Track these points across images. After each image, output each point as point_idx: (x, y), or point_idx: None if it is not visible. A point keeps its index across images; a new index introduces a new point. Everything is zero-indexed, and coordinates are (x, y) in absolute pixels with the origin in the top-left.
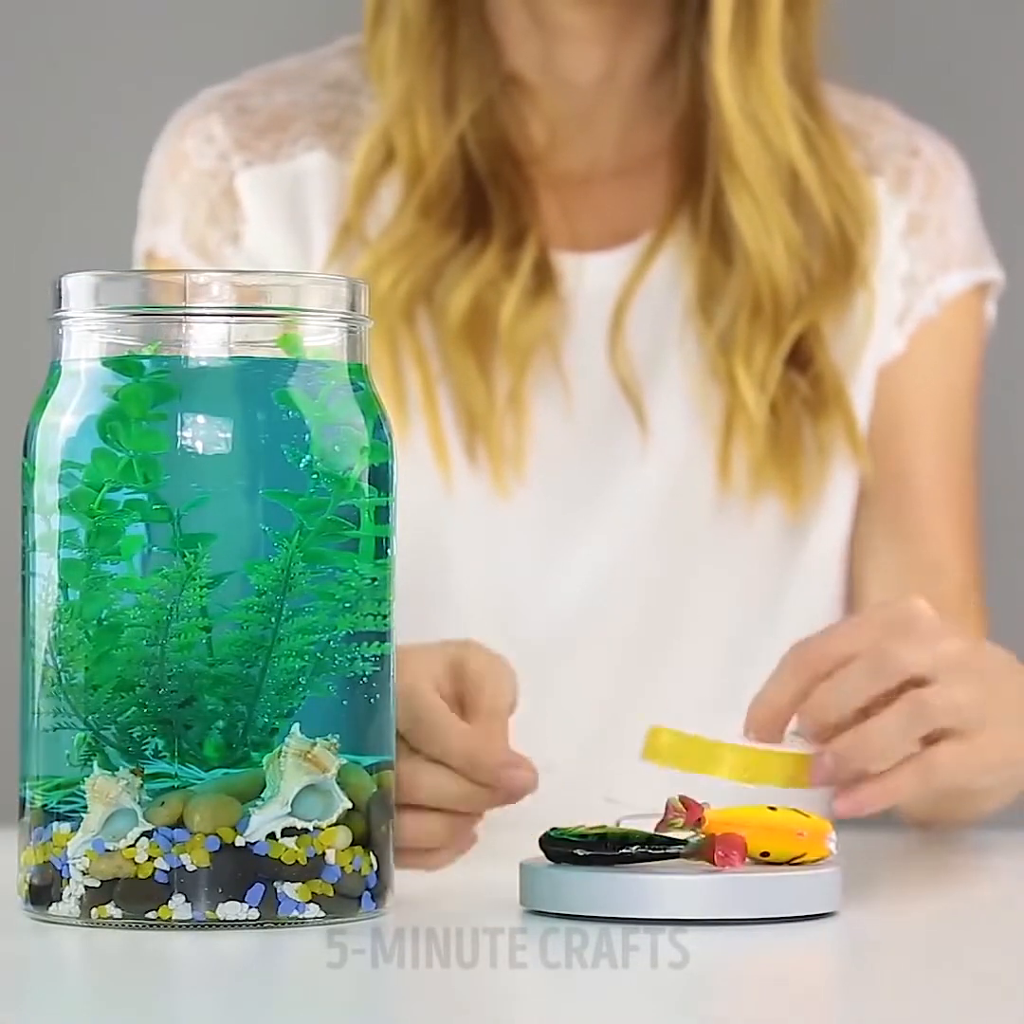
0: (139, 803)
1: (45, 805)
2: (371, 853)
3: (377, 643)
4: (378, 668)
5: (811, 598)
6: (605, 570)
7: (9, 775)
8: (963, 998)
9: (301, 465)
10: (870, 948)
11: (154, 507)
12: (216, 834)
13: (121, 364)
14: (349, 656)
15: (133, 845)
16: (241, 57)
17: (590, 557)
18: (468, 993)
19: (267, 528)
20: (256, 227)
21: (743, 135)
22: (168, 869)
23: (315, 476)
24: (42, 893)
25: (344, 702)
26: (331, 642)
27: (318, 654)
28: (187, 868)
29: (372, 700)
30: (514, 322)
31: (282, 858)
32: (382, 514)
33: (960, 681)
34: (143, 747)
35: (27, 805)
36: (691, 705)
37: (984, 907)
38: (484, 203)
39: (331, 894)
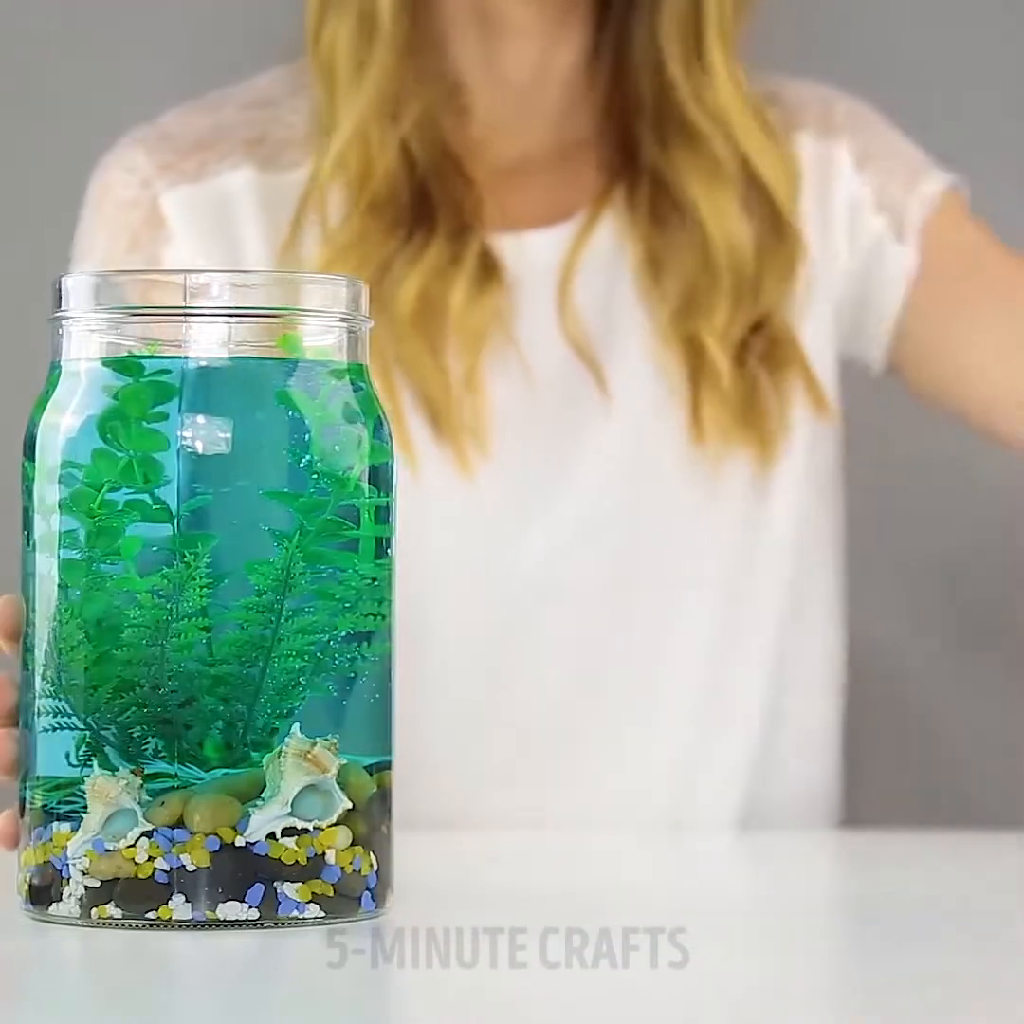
0: (139, 803)
1: (45, 805)
2: (371, 853)
3: (377, 643)
4: (378, 668)
5: (778, 550)
6: (576, 537)
7: None
8: None
9: (301, 465)
10: None
11: (154, 507)
12: (216, 834)
13: (121, 364)
14: (349, 656)
15: (133, 845)
16: (243, 58)
17: (560, 527)
18: (468, 993)
19: (267, 528)
20: (180, 244)
21: (696, 113)
22: (168, 869)
23: (315, 476)
24: (42, 893)
25: (344, 702)
26: (331, 642)
27: (318, 654)
28: (187, 868)
29: (372, 700)
30: (464, 309)
31: (282, 858)
32: (382, 514)
33: None
34: (143, 747)
35: (27, 805)
36: (671, 662)
37: None
38: (428, 200)
39: (331, 894)
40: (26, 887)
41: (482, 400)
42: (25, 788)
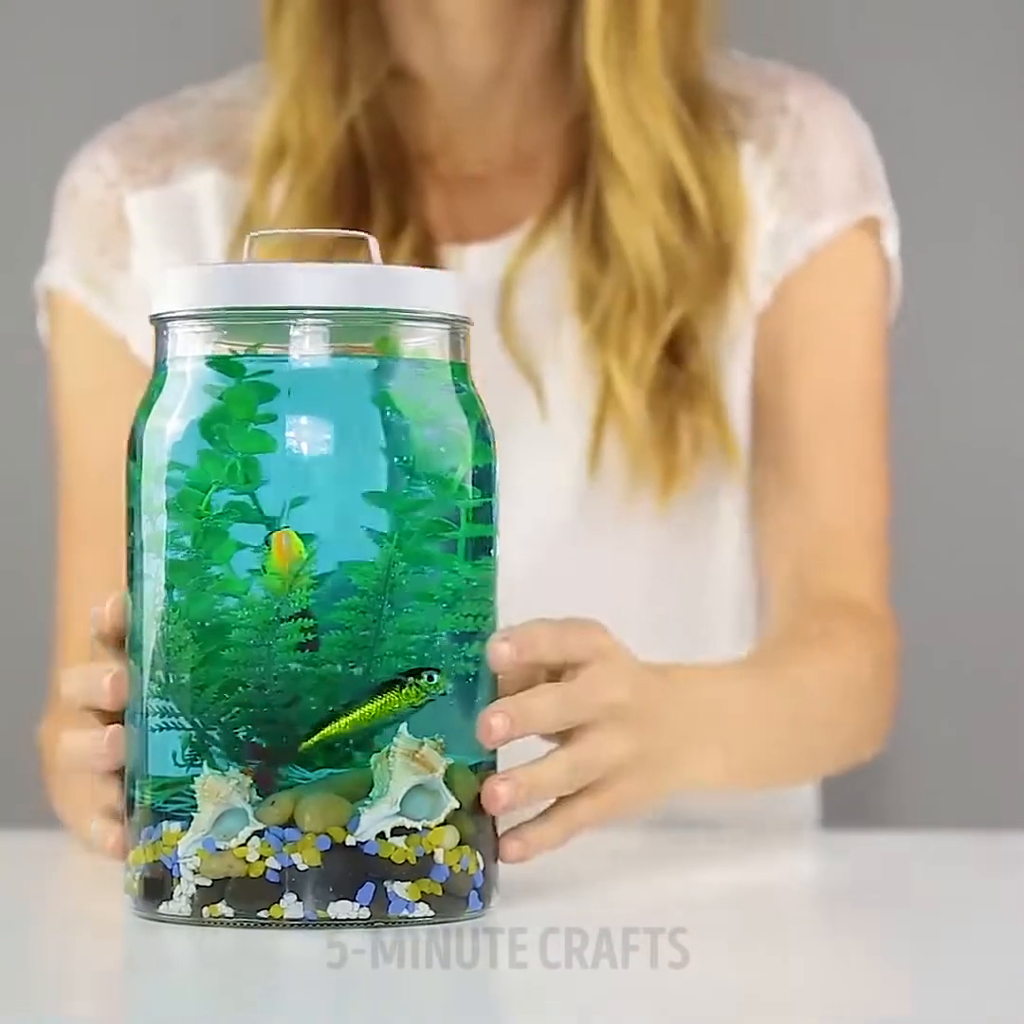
0: (249, 803)
1: (154, 804)
2: (477, 852)
3: (479, 644)
4: (480, 668)
5: (703, 584)
6: (522, 563)
7: (8, 775)
8: None
9: (403, 466)
10: None
11: (256, 508)
12: (327, 833)
13: (224, 364)
14: (453, 656)
15: (244, 844)
16: (242, 58)
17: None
18: (468, 993)
19: (369, 528)
20: (146, 250)
21: (620, 129)
22: (279, 868)
23: (417, 477)
24: (152, 892)
25: (450, 702)
26: (434, 642)
27: (422, 654)
28: (298, 867)
29: (476, 700)
30: None
31: (392, 857)
32: (483, 515)
33: (620, 730)
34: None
35: (136, 804)
36: None
37: None
38: (369, 193)
39: (440, 893)
40: (136, 886)
41: None
42: (133, 787)
